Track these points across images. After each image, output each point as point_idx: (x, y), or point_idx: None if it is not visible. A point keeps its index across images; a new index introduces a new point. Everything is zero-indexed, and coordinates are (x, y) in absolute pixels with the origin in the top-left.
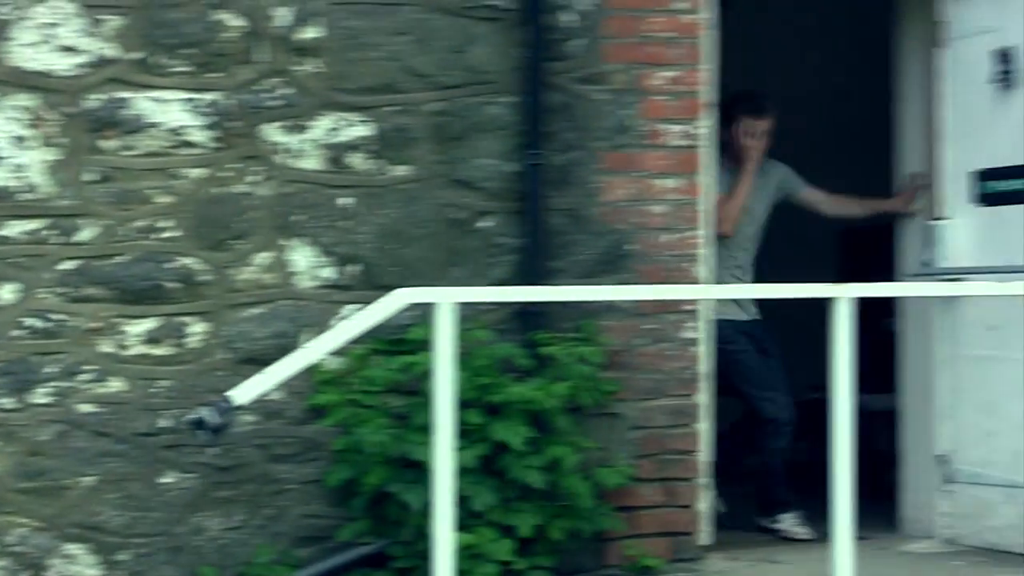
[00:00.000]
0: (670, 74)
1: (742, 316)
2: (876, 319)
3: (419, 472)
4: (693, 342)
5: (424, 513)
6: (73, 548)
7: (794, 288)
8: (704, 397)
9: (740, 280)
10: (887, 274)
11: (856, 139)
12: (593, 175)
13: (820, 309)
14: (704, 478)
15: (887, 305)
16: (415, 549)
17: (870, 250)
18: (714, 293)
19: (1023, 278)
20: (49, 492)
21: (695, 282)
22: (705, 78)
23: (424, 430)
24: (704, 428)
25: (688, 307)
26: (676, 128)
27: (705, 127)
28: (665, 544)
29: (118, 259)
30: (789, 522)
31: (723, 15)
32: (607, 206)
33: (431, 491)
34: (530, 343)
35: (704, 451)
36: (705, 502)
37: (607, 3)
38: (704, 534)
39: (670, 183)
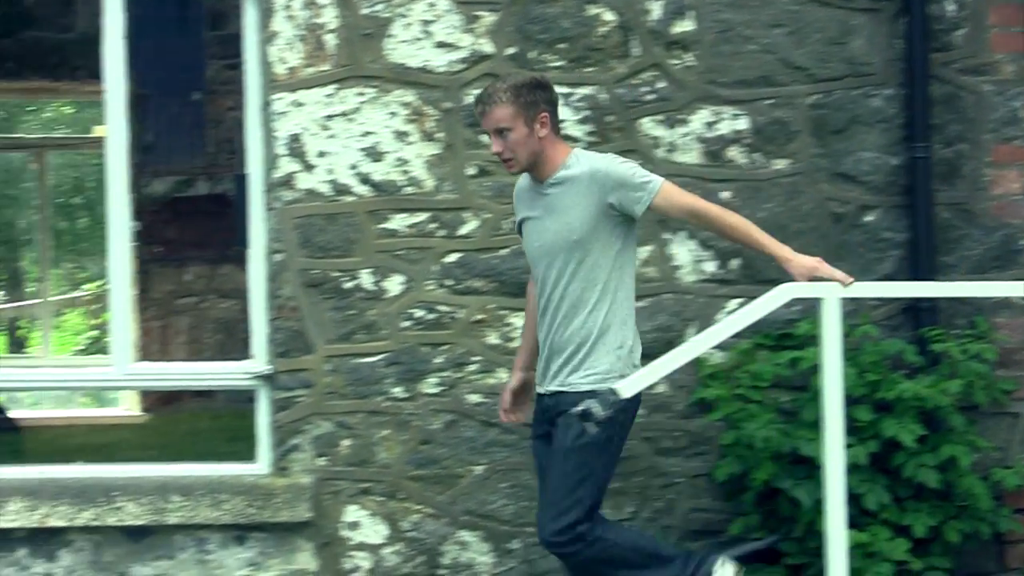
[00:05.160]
0: None
1: (537, 387)
2: None
3: (809, 468)
4: None
5: (815, 510)
6: (466, 535)
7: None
8: None
9: (544, 341)
10: None
11: None
12: (982, 168)
13: None
14: None
15: None
16: (807, 546)
17: None
18: None
19: None
20: (441, 480)
21: None
22: None
23: (813, 426)
24: None
25: None
26: None
27: None
28: None
29: (501, 252)
30: None
31: None
32: (998, 200)
33: (822, 488)
34: (920, 340)
35: None
36: None
37: None
38: None
39: None
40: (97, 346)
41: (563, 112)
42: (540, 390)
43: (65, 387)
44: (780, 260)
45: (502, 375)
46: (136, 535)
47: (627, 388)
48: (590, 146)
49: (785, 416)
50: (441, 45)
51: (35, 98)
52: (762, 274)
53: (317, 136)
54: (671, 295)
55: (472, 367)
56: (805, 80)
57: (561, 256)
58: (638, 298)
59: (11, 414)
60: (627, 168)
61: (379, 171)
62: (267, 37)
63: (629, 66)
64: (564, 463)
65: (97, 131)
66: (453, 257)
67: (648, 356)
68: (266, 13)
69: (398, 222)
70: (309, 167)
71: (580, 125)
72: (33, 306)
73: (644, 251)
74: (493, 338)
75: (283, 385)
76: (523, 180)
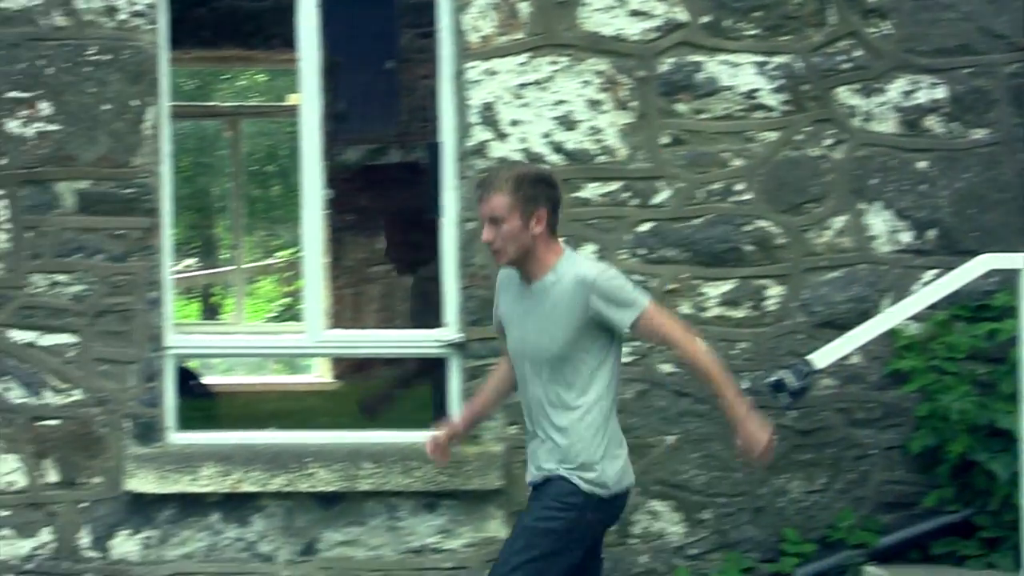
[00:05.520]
0: None
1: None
2: None
3: (1005, 441)
4: None
5: (1011, 483)
6: (657, 505)
7: None
8: None
9: (532, 451)
10: None
11: None
12: None
13: None
14: None
15: None
16: (1002, 520)
17: None
18: None
19: None
20: (633, 449)
21: None
22: None
23: (1010, 398)
24: None
25: None
26: None
27: None
28: None
29: (694, 221)
30: None
31: None
32: None
33: (1019, 461)
34: None
35: None
36: None
37: None
38: None
39: None
40: (289, 313)
41: (758, 81)
42: (528, 481)
43: (258, 354)
44: (732, 418)
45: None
46: (328, 501)
47: (821, 359)
48: (785, 116)
49: (981, 388)
50: (635, 13)
51: (229, 67)
52: (960, 244)
53: (510, 105)
54: (866, 265)
55: None
56: (1005, 48)
57: (541, 361)
58: (832, 268)
59: (205, 380)
60: (615, 284)
61: (572, 140)
62: (460, 5)
63: (825, 34)
64: (515, 539)
65: (291, 99)
66: (646, 226)
67: (842, 327)
68: None
69: (591, 191)
70: (502, 136)
71: (775, 94)
72: (227, 273)
73: (839, 221)
74: (686, 307)
75: (474, 353)
76: (512, 273)
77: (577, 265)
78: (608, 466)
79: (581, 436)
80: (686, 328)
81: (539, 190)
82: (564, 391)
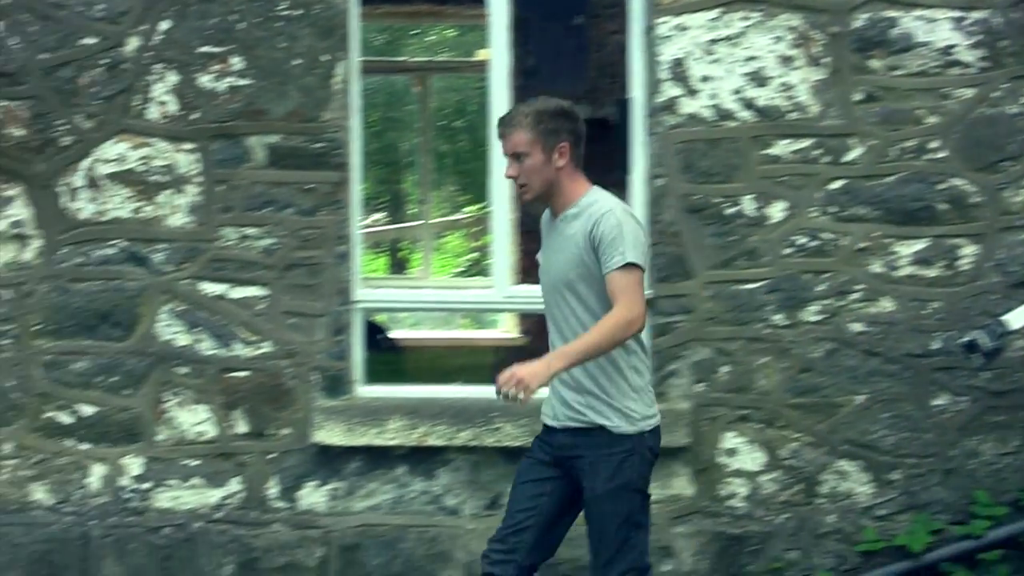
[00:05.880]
0: None
1: (545, 419)
2: None
3: None
4: None
5: None
6: (845, 464)
7: None
8: None
9: (557, 390)
10: None
11: None
12: None
13: None
14: None
15: None
16: None
17: None
18: None
19: None
20: (820, 409)
21: None
22: None
23: None
24: None
25: None
26: None
27: None
28: None
29: (887, 179)
30: None
31: None
32: None
33: None
34: None
35: None
36: None
37: None
38: None
39: None
40: (477, 268)
41: (954, 36)
42: (554, 424)
43: (445, 308)
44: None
45: (886, 304)
46: (513, 456)
47: (1016, 319)
48: (982, 72)
49: None
50: None
51: (419, 22)
52: None
53: (701, 61)
54: None
55: (855, 295)
56: None
57: (564, 294)
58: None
59: (392, 334)
60: (617, 231)
61: (763, 96)
62: None
63: None
64: (600, 508)
65: (480, 55)
66: (837, 184)
67: None
68: None
69: (781, 148)
70: (692, 92)
71: (972, 50)
72: (414, 228)
73: None
74: (877, 266)
75: (662, 310)
76: (547, 211)
77: (601, 200)
78: (637, 399)
79: (607, 371)
80: (639, 306)
81: (560, 123)
82: (586, 321)
